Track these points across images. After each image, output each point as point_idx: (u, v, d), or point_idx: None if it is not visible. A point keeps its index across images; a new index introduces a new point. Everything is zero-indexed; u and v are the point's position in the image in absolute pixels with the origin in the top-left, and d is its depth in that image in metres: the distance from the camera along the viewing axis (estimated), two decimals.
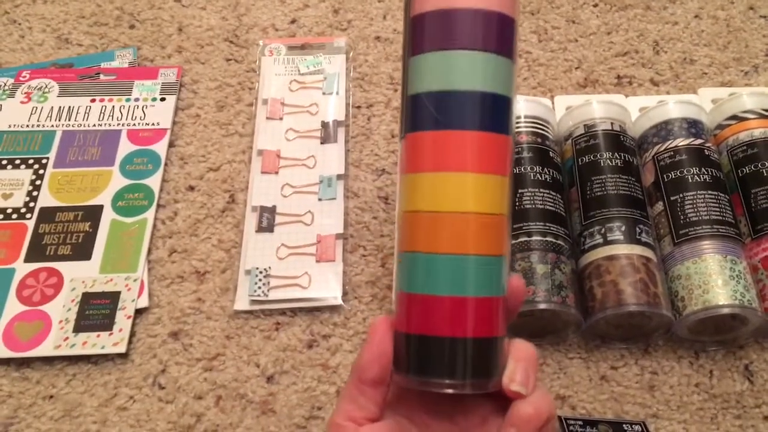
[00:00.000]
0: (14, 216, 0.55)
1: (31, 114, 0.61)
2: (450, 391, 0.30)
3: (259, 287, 0.52)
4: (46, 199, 0.56)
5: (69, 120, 0.61)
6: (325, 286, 0.52)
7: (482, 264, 0.31)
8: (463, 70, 0.30)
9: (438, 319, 0.30)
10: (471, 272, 0.30)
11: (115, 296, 0.51)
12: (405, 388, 0.32)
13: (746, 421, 0.47)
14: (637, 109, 0.59)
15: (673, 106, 0.54)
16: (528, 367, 0.31)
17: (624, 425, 0.46)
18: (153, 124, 0.61)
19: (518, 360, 0.31)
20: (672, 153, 0.52)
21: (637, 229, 0.48)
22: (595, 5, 0.70)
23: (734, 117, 0.55)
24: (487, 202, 0.31)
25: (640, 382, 0.49)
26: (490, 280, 0.31)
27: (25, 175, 0.58)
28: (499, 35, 0.31)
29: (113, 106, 0.62)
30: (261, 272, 0.52)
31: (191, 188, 0.58)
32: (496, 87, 0.31)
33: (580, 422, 0.46)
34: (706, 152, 0.52)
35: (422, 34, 0.32)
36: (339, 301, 0.52)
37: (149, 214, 0.56)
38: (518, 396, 0.30)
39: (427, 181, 0.31)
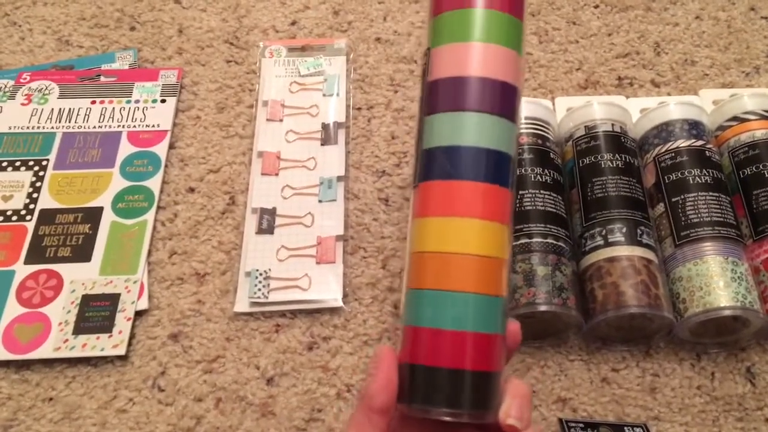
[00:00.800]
0: (14, 218, 0.55)
1: (32, 116, 0.61)
2: (449, 419, 0.32)
3: (259, 289, 0.52)
4: (46, 200, 0.56)
5: (69, 122, 0.61)
6: (326, 288, 0.52)
7: (482, 302, 0.34)
8: (471, 129, 0.35)
9: (441, 351, 0.33)
10: (471, 309, 0.33)
11: (114, 298, 0.51)
12: (408, 416, 0.34)
13: (748, 424, 0.47)
14: (638, 111, 0.59)
15: (674, 108, 0.54)
16: (523, 404, 0.33)
17: (625, 428, 0.46)
18: (153, 126, 0.61)
19: (514, 396, 0.33)
20: (673, 154, 0.52)
21: (638, 230, 0.48)
22: (596, 6, 0.70)
23: (735, 118, 0.55)
24: (489, 246, 0.34)
25: (642, 384, 0.48)
26: (489, 317, 0.34)
27: (26, 176, 0.57)
28: (503, 101, 0.36)
29: (113, 108, 0.62)
30: (261, 274, 0.52)
31: (191, 190, 0.58)
32: (500, 145, 0.35)
33: (581, 425, 0.45)
34: (708, 153, 0.52)
35: (437, 97, 0.36)
36: (339, 303, 0.52)
37: (149, 216, 0.56)
38: (513, 430, 0.32)
39: (435, 224, 0.35)
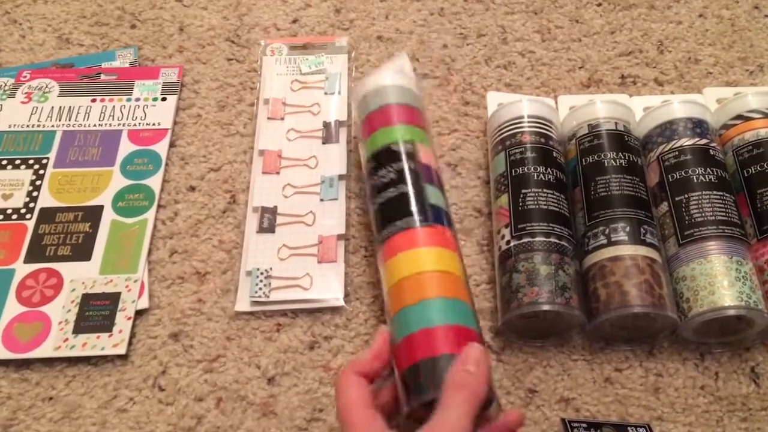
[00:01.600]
0: (14, 216, 0.55)
1: (32, 114, 0.61)
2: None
3: (260, 288, 0.51)
4: (46, 199, 0.56)
5: (69, 120, 0.61)
6: (327, 287, 0.52)
7: (443, 303, 0.42)
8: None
9: (418, 348, 0.40)
10: (433, 309, 0.42)
11: (115, 297, 0.51)
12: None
13: (752, 424, 0.47)
14: (642, 109, 0.59)
15: (678, 106, 0.54)
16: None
17: (628, 428, 0.45)
18: (154, 124, 0.60)
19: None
20: (677, 153, 0.51)
21: (642, 229, 0.48)
22: (599, 4, 0.69)
23: (739, 117, 0.54)
24: (435, 263, 0.44)
25: (645, 384, 0.48)
26: (449, 313, 0.42)
27: (25, 175, 0.57)
28: (427, 175, 0.49)
29: (114, 106, 0.61)
30: (262, 273, 0.52)
31: (192, 189, 0.58)
32: (438, 203, 0.48)
33: (584, 425, 0.45)
34: (711, 152, 0.51)
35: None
36: (340, 303, 0.51)
37: (150, 215, 0.56)
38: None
39: (393, 261, 0.45)
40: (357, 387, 0.38)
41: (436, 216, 0.47)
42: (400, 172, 0.48)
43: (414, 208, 0.47)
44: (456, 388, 0.37)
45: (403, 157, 0.49)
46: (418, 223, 0.46)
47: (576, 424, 0.45)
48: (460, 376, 0.37)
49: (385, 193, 0.48)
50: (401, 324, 0.42)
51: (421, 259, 0.44)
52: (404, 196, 0.47)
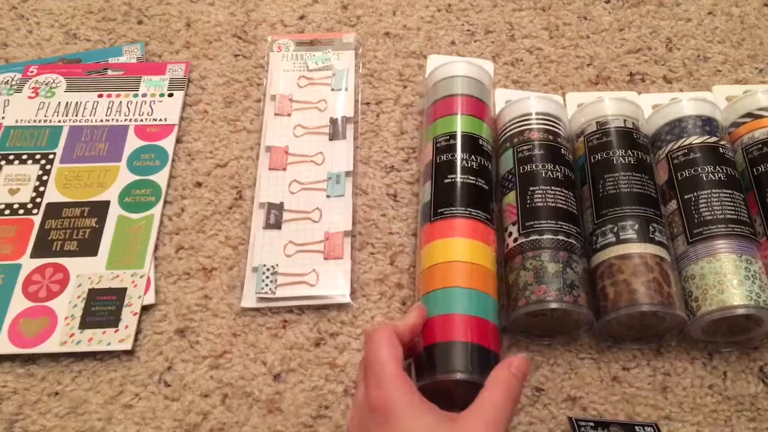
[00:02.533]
0: (21, 211, 0.55)
1: (39, 109, 0.61)
2: (461, 377, 0.42)
3: (267, 284, 0.51)
4: (53, 194, 0.56)
5: (76, 115, 0.61)
6: (333, 283, 0.52)
7: (475, 295, 0.46)
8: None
9: (452, 329, 0.44)
10: (458, 298, 0.45)
11: (121, 293, 0.51)
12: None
13: (761, 424, 0.46)
14: (650, 107, 0.58)
15: (687, 104, 0.54)
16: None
17: (636, 427, 0.45)
18: (160, 120, 0.60)
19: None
20: (686, 151, 0.51)
21: (651, 227, 0.48)
22: (607, 1, 0.69)
23: (749, 115, 0.54)
24: (470, 256, 0.47)
25: (653, 383, 0.48)
26: (482, 307, 0.45)
27: (32, 170, 0.57)
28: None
29: (121, 102, 0.61)
30: (268, 269, 0.52)
31: (198, 184, 0.58)
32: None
33: (591, 423, 0.45)
34: (721, 150, 0.51)
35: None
36: (347, 299, 0.51)
37: (156, 210, 0.56)
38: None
39: (430, 247, 0.48)
40: (395, 347, 0.39)
41: (491, 218, 0.50)
42: (484, 167, 0.52)
43: (481, 203, 0.50)
44: (500, 383, 0.38)
45: (489, 155, 0.53)
46: (481, 217, 0.49)
47: (583, 423, 0.45)
48: (506, 374, 0.38)
49: (464, 177, 0.50)
50: (431, 303, 0.46)
51: (456, 250, 0.47)
52: (478, 188, 0.50)
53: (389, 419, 0.35)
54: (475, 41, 0.66)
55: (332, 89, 0.62)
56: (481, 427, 0.35)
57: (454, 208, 0.49)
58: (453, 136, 0.53)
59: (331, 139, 0.59)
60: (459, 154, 0.51)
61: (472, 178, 0.50)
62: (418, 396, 0.37)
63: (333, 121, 0.60)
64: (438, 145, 0.53)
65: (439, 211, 0.49)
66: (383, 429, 0.36)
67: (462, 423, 0.36)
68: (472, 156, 0.51)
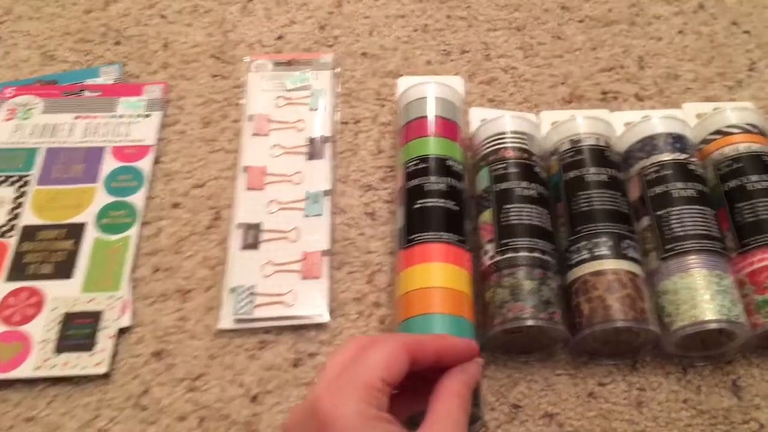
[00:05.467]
0: None
1: (15, 131, 0.60)
2: None
3: (244, 305, 0.51)
4: (29, 217, 0.56)
5: (53, 137, 0.60)
6: (311, 303, 0.52)
7: (450, 321, 0.46)
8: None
9: None
10: (437, 324, 0.45)
11: (97, 316, 0.51)
12: None
13: None
14: (622, 125, 0.59)
15: (658, 122, 0.55)
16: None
17: None
18: (138, 141, 0.60)
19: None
20: (657, 168, 0.52)
21: (623, 244, 0.48)
22: (581, 21, 0.70)
23: (719, 132, 0.55)
24: (444, 281, 0.47)
25: (628, 398, 0.48)
26: (452, 330, 0.45)
27: (8, 192, 0.57)
28: None
29: (98, 123, 0.61)
30: (246, 290, 0.52)
31: (176, 205, 0.58)
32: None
33: None
34: (691, 167, 0.52)
35: None
36: (325, 319, 0.51)
37: (133, 232, 0.55)
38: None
39: (405, 273, 0.49)
40: (401, 362, 0.35)
41: (465, 239, 0.51)
42: (454, 188, 0.52)
43: (453, 226, 0.50)
44: (454, 395, 0.36)
45: (459, 175, 0.54)
46: (453, 240, 0.49)
47: None
48: (458, 385, 0.37)
49: (433, 201, 0.51)
50: (405, 330, 0.47)
51: (432, 276, 0.48)
52: (449, 211, 0.51)
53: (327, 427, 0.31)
54: (451, 60, 0.67)
55: (310, 109, 0.62)
56: None
57: (425, 234, 0.49)
58: (423, 159, 0.53)
59: (309, 159, 0.59)
60: (428, 178, 0.52)
61: (441, 201, 0.51)
62: (375, 412, 0.33)
63: (311, 141, 0.60)
64: (408, 170, 0.53)
65: (410, 237, 0.50)
66: None
67: None
68: (441, 178, 0.52)
